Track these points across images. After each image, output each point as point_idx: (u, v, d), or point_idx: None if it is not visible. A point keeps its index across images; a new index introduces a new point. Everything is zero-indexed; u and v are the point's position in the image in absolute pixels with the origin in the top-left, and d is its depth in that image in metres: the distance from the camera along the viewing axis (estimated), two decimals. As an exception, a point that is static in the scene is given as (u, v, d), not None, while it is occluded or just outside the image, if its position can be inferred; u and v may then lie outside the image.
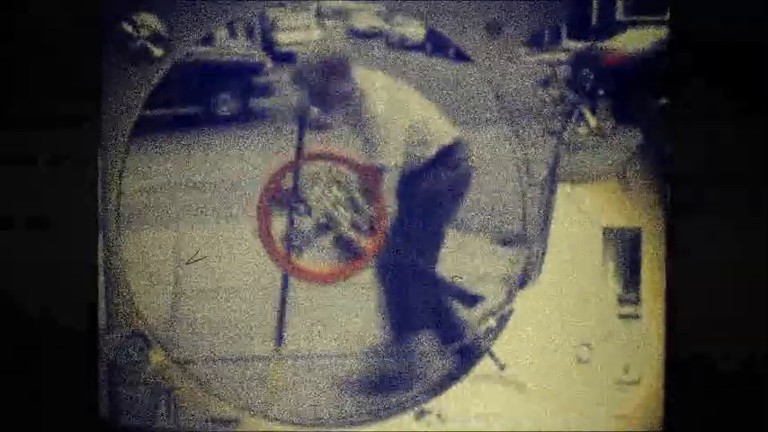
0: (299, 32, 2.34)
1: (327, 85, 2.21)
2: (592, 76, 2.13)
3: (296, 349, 2.26)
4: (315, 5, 2.31)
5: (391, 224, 2.21)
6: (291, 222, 2.18)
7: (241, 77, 2.43)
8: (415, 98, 2.28)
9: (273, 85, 2.38)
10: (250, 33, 2.31)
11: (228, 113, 2.42)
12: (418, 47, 2.38)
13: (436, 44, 2.34)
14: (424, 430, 2.15)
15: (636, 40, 2.14)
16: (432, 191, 2.28)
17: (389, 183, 2.22)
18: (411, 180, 2.26)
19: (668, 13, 2.11)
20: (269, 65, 2.41)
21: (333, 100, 2.23)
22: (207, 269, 2.24)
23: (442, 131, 2.30)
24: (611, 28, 2.14)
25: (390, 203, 2.22)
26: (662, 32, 2.10)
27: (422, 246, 2.29)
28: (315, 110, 2.23)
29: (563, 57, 2.14)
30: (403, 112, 2.25)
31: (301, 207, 2.21)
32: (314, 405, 2.21)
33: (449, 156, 2.29)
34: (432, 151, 2.28)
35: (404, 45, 2.37)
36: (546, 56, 2.14)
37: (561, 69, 2.11)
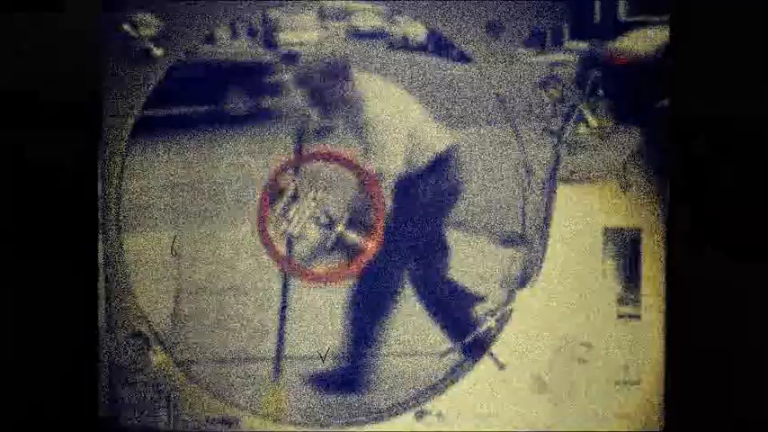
0: (302, 33, 2.34)
1: (329, 88, 2.21)
2: (599, 75, 2.13)
3: (297, 350, 2.26)
4: (317, 5, 2.31)
5: (387, 229, 2.21)
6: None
7: (251, 77, 2.41)
8: (411, 103, 2.27)
9: (282, 85, 2.36)
10: (251, 33, 2.31)
11: (241, 111, 2.40)
12: (421, 47, 2.38)
13: (438, 45, 2.34)
14: (424, 430, 2.15)
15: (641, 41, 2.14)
16: (423, 200, 2.28)
17: (387, 187, 2.22)
18: (405, 187, 2.26)
19: (669, 13, 2.11)
20: (277, 62, 2.38)
21: (334, 103, 2.23)
22: (207, 269, 2.24)
23: (438, 137, 2.29)
24: (614, 28, 2.14)
25: (388, 206, 2.22)
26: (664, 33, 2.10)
27: (419, 250, 2.29)
28: (314, 112, 2.23)
29: (568, 58, 2.14)
30: (402, 117, 2.24)
31: (301, 206, 2.21)
32: (314, 405, 2.21)
33: (442, 164, 2.29)
34: (427, 158, 2.28)
35: (406, 46, 2.37)
36: (549, 56, 2.14)
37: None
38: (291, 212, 2.21)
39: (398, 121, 2.23)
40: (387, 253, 2.21)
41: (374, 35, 2.34)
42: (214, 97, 2.36)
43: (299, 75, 2.24)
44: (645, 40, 2.13)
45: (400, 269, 2.28)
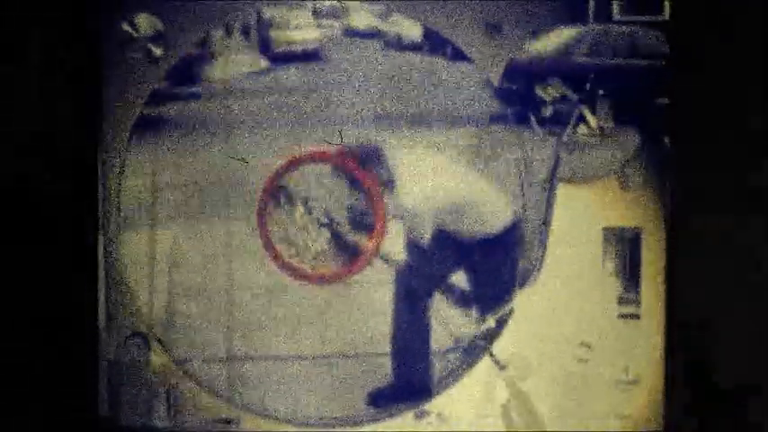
0: (297, 31, 2.32)
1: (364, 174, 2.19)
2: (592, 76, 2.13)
3: (297, 350, 2.26)
4: (311, 4, 2.29)
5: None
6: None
7: None
8: (457, 173, 2.22)
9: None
10: (246, 32, 2.30)
11: None
12: (416, 47, 2.36)
13: (434, 44, 2.33)
14: (423, 430, 2.15)
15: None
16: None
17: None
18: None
19: (667, 13, 2.11)
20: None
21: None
22: (207, 269, 2.25)
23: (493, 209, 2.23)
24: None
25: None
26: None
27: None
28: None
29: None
30: (438, 194, 2.20)
31: (301, 207, 2.21)
32: (315, 405, 2.21)
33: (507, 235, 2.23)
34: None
35: (401, 45, 2.36)
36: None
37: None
38: (292, 213, 2.21)
39: (432, 199, 2.19)
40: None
41: (370, 35, 2.32)
42: None
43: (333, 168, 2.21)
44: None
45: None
